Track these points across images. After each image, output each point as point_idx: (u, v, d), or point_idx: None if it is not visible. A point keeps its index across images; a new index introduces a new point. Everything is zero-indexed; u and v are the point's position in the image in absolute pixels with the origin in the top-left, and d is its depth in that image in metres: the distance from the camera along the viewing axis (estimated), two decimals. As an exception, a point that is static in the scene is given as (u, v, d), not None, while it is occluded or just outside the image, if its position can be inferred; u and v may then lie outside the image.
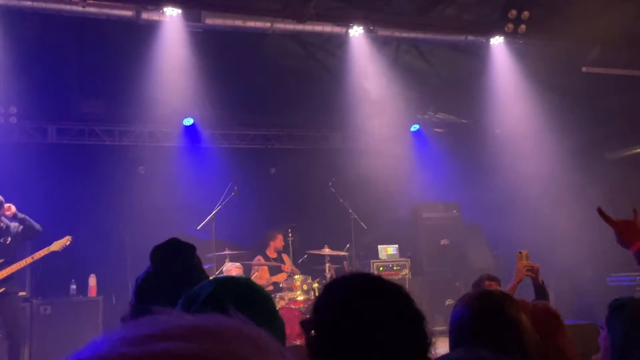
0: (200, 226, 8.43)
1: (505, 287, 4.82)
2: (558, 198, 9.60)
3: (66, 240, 7.30)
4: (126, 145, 10.15)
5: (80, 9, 7.69)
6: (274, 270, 9.10)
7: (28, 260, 7.06)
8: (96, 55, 9.14)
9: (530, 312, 2.45)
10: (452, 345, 2.01)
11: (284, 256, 9.24)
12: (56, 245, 7.24)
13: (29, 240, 7.32)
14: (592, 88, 9.75)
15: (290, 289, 8.03)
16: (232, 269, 7.66)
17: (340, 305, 1.40)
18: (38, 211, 8.69)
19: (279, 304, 7.72)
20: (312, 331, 1.41)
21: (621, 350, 2.41)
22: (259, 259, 9.06)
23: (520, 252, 4.78)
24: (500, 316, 1.98)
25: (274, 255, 9.29)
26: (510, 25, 8.78)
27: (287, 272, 8.73)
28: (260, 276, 8.92)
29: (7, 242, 6.99)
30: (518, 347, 1.93)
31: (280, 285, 8.33)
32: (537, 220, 9.62)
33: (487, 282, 5.09)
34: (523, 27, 8.77)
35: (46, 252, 7.14)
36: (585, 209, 9.55)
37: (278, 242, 9.23)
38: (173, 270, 2.17)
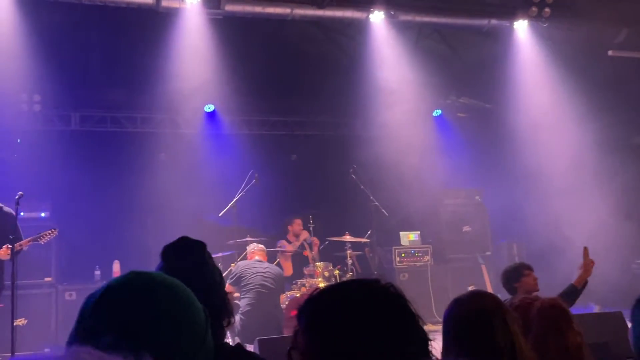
0: (221, 213, 8.47)
1: (572, 280, 4.91)
2: (583, 183, 9.45)
3: (52, 233, 7.05)
4: (148, 132, 10.20)
5: (101, -4, 7.73)
6: (296, 257, 9.12)
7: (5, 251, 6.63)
8: (118, 44, 9.18)
9: (537, 307, 2.42)
10: (444, 344, 2.03)
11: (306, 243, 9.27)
12: (42, 238, 6.95)
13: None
14: (618, 72, 9.55)
15: (312, 276, 8.07)
16: (255, 250, 7.67)
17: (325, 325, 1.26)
18: (60, 198, 8.83)
19: (301, 291, 7.75)
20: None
21: None
22: (283, 243, 9.10)
23: (585, 248, 4.97)
24: (484, 319, 1.98)
25: (295, 240, 9.32)
26: (535, 9, 8.63)
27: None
28: (284, 263, 8.97)
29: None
30: (504, 351, 1.92)
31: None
32: (561, 206, 9.49)
33: (526, 271, 5.10)
34: (547, 10, 8.62)
35: (27, 244, 6.79)
36: (610, 195, 9.45)
37: (295, 226, 9.30)
38: (184, 267, 2.20)
